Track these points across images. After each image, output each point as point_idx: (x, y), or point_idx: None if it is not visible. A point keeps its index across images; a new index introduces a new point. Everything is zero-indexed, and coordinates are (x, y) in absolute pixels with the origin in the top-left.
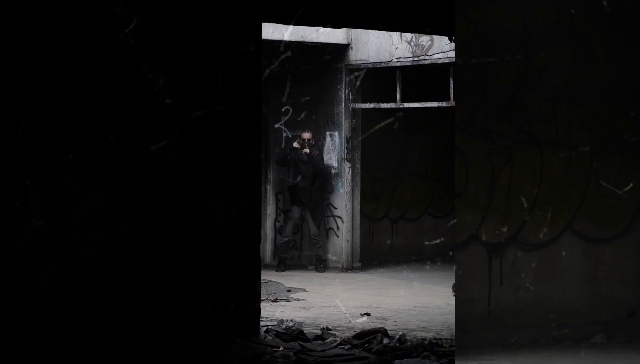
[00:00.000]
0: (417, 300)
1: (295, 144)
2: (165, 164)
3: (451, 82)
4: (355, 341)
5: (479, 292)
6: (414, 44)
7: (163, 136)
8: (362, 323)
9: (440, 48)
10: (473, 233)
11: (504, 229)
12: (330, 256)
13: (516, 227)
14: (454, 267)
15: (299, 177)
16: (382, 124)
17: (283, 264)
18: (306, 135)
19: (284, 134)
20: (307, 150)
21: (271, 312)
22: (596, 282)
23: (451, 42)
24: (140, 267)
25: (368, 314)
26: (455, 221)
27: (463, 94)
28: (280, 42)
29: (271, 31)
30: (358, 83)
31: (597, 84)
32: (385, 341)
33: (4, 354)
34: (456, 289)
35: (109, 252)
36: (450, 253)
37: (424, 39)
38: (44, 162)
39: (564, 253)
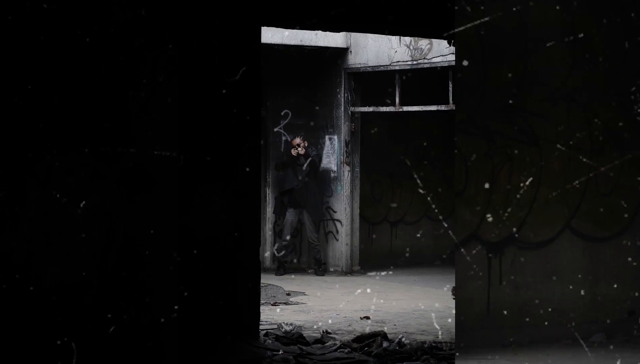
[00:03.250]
0: (417, 303)
1: (293, 152)
2: (166, 165)
3: (450, 85)
4: (354, 345)
5: (479, 291)
6: (413, 48)
7: (163, 138)
8: (362, 326)
9: (439, 52)
10: (472, 232)
11: (504, 228)
12: (329, 259)
13: (515, 227)
14: (454, 270)
15: (298, 180)
16: None
17: (282, 268)
18: (297, 140)
19: (284, 138)
20: (302, 150)
21: (271, 315)
22: (595, 281)
23: (450, 45)
24: (141, 268)
25: (368, 318)
26: (453, 221)
27: (463, 94)
28: (279, 45)
29: (270, 35)
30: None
31: (596, 83)
32: (385, 344)
33: (3, 354)
34: (456, 289)
35: (109, 252)
36: (445, 256)
37: (423, 42)
38: (44, 161)
39: (563, 252)
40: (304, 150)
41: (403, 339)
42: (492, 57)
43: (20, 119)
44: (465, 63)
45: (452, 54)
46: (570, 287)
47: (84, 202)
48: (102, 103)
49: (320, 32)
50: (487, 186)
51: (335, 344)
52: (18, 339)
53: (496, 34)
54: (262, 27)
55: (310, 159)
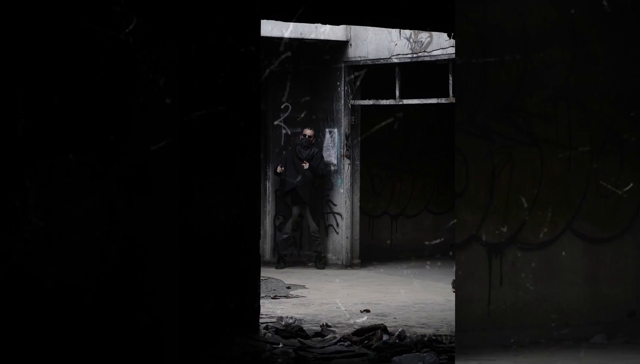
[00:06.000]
0: (417, 297)
1: (302, 137)
2: (166, 164)
3: (450, 78)
4: (354, 338)
5: (479, 292)
6: (413, 41)
7: (163, 135)
8: (362, 320)
9: (439, 45)
10: (473, 233)
11: (504, 229)
12: (329, 253)
13: (516, 227)
14: (454, 264)
15: (299, 177)
16: (382, 124)
17: (283, 261)
18: (308, 131)
19: (284, 131)
20: (306, 165)
21: (271, 309)
22: (596, 282)
23: (450, 38)
24: (141, 267)
25: (368, 311)
26: (455, 220)
27: (463, 94)
28: (279, 39)
29: (270, 28)
30: (358, 83)
31: (597, 84)
32: (385, 337)
33: (4, 354)
34: (456, 288)
35: (109, 252)
36: (450, 253)
37: (423, 35)
38: (44, 162)
39: (564, 253)
40: (307, 165)
41: (403, 332)
42: (493, 57)
43: (20, 120)
44: (465, 61)
45: (452, 47)
46: (571, 288)
47: (83, 202)
48: (101, 103)
49: (320, 25)
50: (487, 186)
51: (335, 337)
52: (18, 338)
53: (496, 33)
54: (262, 21)
55: (313, 168)
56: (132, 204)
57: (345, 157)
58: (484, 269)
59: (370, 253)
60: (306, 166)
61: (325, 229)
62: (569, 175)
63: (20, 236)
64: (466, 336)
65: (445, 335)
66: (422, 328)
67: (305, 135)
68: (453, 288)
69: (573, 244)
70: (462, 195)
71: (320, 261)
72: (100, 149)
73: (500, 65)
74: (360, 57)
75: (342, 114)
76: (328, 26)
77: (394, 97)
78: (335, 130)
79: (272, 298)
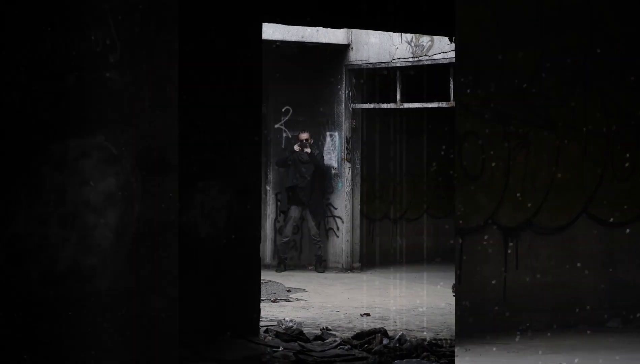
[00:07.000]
0: (417, 300)
1: (296, 147)
2: (177, 150)
3: (451, 82)
4: (355, 342)
5: (494, 276)
6: (414, 45)
7: (165, 134)
8: (362, 323)
9: (440, 48)
10: (488, 217)
11: (520, 213)
12: (330, 256)
13: (532, 211)
14: (454, 267)
15: (300, 178)
16: None
17: (283, 265)
18: (304, 135)
19: (284, 134)
20: (309, 149)
21: (271, 312)
22: (612, 266)
23: (451, 42)
24: (155, 252)
25: (368, 315)
26: (463, 206)
27: (478, 78)
28: (280, 42)
29: (272, 31)
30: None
31: (613, 67)
32: (385, 341)
33: (16, 339)
34: (456, 285)
35: (123, 236)
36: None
37: (424, 39)
38: (59, 145)
39: (580, 237)
40: (309, 149)
41: (403, 336)
42: (508, 40)
43: (36, 103)
44: (481, 45)
45: (453, 51)
46: (587, 272)
47: (99, 185)
48: (114, 88)
49: (321, 28)
50: (503, 170)
51: (335, 340)
52: (31, 322)
53: (512, 16)
54: (263, 24)
55: (313, 156)
56: (147, 187)
57: (346, 161)
58: (499, 253)
59: (371, 257)
60: (308, 149)
61: (326, 232)
62: (585, 159)
63: (36, 218)
64: (481, 320)
65: (446, 339)
66: (422, 331)
67: (302, 139)
68: (453, 291)
69: (589, 228)
70: (477, 179)
71: (320, 265)
72: (115, 132)
73: (515, 48)
74: (361, 60)
75: (343, 118)
76: (329, 29)
77: (394, 101)
78: (336, 133)
79: (273, 301)
